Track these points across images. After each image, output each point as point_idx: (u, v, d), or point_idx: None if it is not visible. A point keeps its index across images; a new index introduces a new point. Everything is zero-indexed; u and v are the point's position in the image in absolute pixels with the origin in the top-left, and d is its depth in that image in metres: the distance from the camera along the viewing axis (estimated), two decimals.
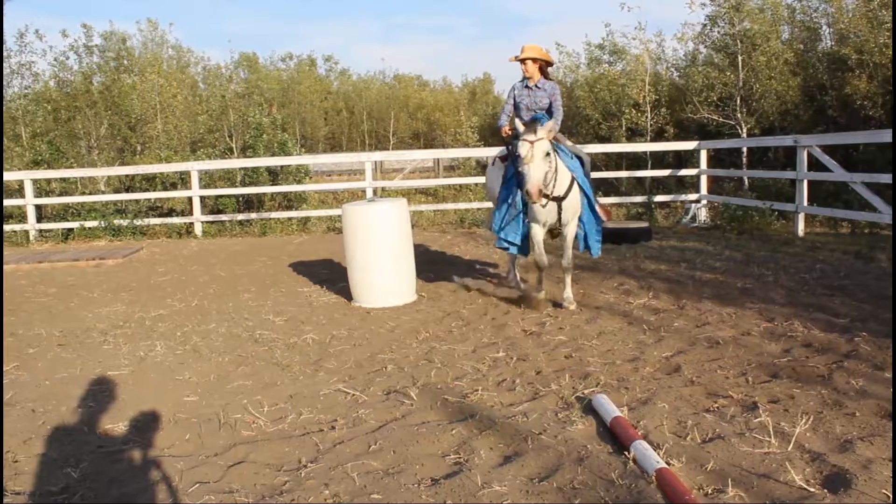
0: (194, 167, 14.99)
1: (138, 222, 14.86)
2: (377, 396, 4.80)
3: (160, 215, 16.30)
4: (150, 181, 16.77)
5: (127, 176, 16.73)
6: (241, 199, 16.28)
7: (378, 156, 16.57)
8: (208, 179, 16.40)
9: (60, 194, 16.99)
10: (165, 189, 16.47)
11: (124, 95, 18.70)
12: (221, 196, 15.92)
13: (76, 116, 18.42)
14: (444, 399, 4.63)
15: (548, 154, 6.33)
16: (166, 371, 5.61)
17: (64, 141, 18.24)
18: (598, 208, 6.96)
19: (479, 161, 24.10)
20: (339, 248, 8.10)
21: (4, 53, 18.21)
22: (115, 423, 4.55)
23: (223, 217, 15.10)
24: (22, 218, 15.30)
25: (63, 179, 16.97)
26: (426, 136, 35.12)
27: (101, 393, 5.15)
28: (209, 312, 7.54)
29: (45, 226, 15.02)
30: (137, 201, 16.03)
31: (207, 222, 14.96)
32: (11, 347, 6.57)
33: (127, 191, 16.91)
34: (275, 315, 7.24)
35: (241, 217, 15.05)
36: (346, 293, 7.82)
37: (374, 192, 14.42)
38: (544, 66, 7.03)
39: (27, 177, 14.99)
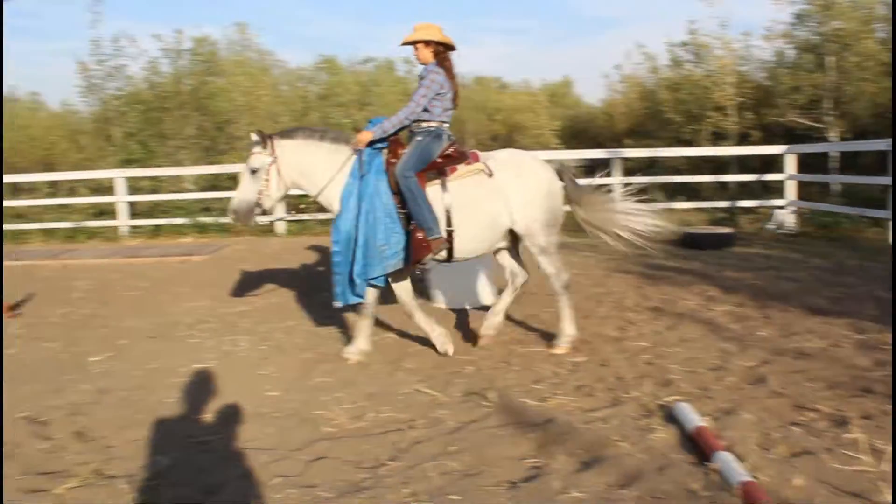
0: None
1: (223, 220, 15.25)
2: (456, 398, 4.83)
3: None
4: (235, 180, 17.13)
5: (213, 174, 17.17)
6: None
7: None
8: None
9: (150, 192, 17.58)
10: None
11: (212, 97, 19.21)
12: (303, 195, 16.14)
13: (166, 117, 19.01)
14: (523, 402, 4.63)
15: (255, 171, 5.77)
16: (249, 366, 5.76)
17: (154, 141, 18.86)
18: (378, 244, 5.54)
19: (560, 164, 24.00)
20: None
21: (99, 57, 18.94)
22: (202, 415, 4.70)
23: (304, 216, 15.35)
24: (114, 214, 15.87)
25: (153, 178, 17.54)
26: (505, 138, 35.06)
27: (188, 385, 5.32)
28: (291, 309, 7.69)
29: (135, 222, 15.54)
30: (223, 199, 16.43)
31: (290, 221, 15.24)
32: (105, 339, 6.83)
33: (213, 189, 17.36)
34: (356, 314, 7.33)
35: (322, 216, 15.27)
36: (425, 293, 7.87)
37: None
38: (441, 49, 5.79)
39: (119, 175, 15.55)
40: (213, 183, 17.59)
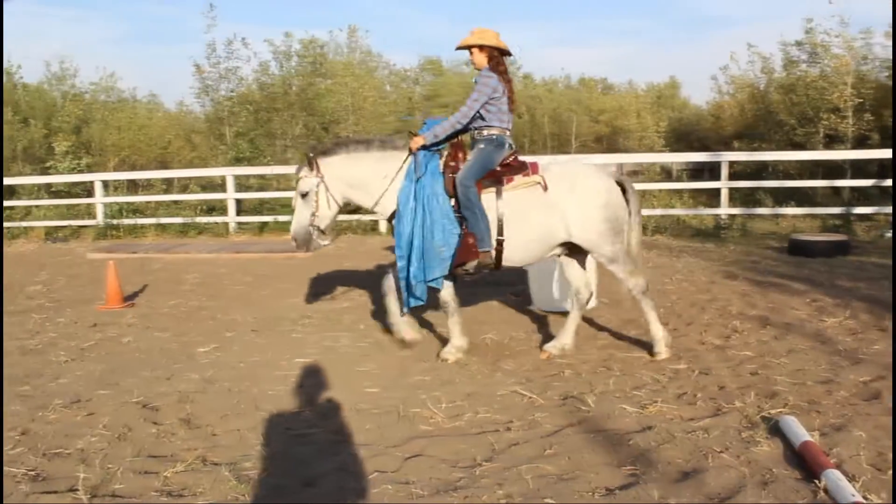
0: None
1: None
2: (554, 401, 4.79)
3: (348, 212, 16.96)
4: None
5: None
6: None
7: (560, 159, 16.48)
8: None
9: (258, 190, 18.11)
10: None
11: (319, 97, 19.65)
12: None
13: (274, 117, 19.55)
14: (622, 408, 4.55)
15: (305, 195, 5.88)
16: (350, 361, 5.86)
17: (263, 140, 19.42)
18: (439, 246, 5.61)
19: (664, 166, 23.52)
20: None
21: (213, 60, 19.63)
22: (302, 408, 4.80)
23: None
24: (223, 211, 16.41)
25: (260, 176, 18.06)
26: (609, 140, 34.62)
27: (289, 378, 5.45)
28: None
29: (242, 219, 16.04)
30: None
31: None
32: (211, 330, 7.07)
33: None
34: None
35: None
36: (525, 295, 7.84)
37: None
38: (496, 53, 5.78)
39: (229, 173, 16.10)
40: None
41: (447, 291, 5.91)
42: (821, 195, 16.59)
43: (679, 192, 16.57)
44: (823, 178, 16.26)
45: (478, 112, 5.68)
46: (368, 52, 26.47)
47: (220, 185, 17.38)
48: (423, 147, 5.74)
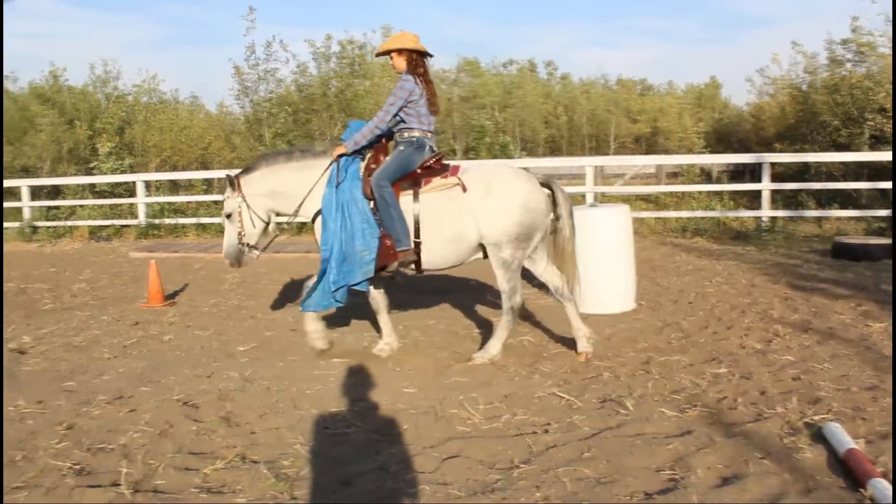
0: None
1: None
2: (592, 403, 4.76)
3: None
4: None
5: None
6: None
7: (598, 160, 16.39)
8: None
9: None
10: None
11: (357, 98, 19.73)
12: None
13: (313, 118, 19.66)
14: (661, 412, 4.50)
15: (230, 216, 6.14)
16: (387, 362, 5.87)
17: (301, 141, 19.53)
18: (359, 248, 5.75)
19: (704, 168, 23.25)
20: None
21: (252, 62, 19.80)
22: (340, 407, 4.83)
23: None
24: None
25: None
26: (648, 141, 34.34)
27: (327, 377, 5.49)
28: (429, 308, 7.80)
29: (282, 219, 16.13)
30: None
31: None
32: (251, 329, 7.15)
33: None
34: (491, 315, 7.36)
35: None
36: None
37: (595, 197, 14.29)
38: (415, 56, 5.86)
39: None
40: None
41: (375, 292, 6.12)
42: (866, 197, 16.28)
43: (719, 193, 16.37)
44: (868, 179, 15.95)
45: (398, 115, 5.80)
46: None
47: None
48: (345, 154, 5.88)
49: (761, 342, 6.11)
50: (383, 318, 6.22)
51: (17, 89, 27.30)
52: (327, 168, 5.95)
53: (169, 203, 17.46)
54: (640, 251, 10.05)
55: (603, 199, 15.98)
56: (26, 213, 17.45)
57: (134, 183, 17.26)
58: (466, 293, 8.56)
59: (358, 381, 5.38)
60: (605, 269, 7.34)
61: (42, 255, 14.25)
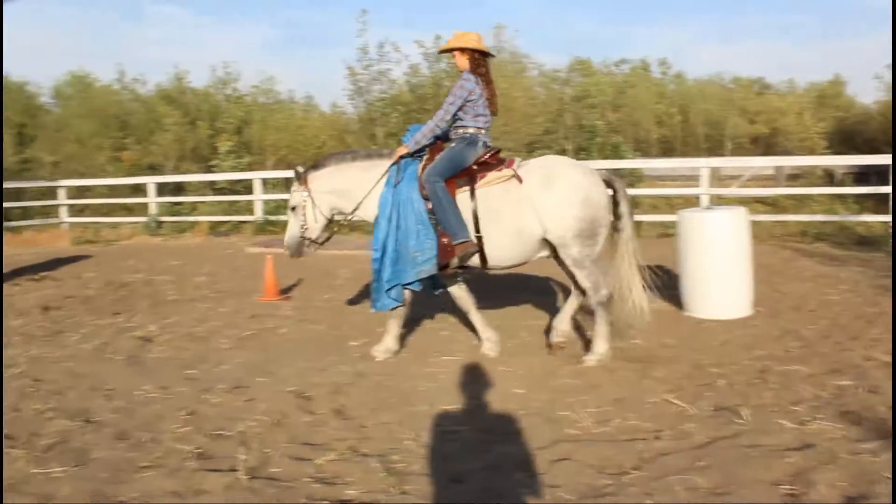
0: None
1: None
2: (706, 411, 4.63)
3: None
4: None
5: None
6: None
7: (714, 161, 15.93)
8: None
9: None
10: None
11: None
12: None
13: (425, 118, 19.82)
14: (779, 423, 4.34)
15: (294, 209, 6.28)
16: (496, 361, 5.88)
17: None
18: (412, 250, 5.74)
19: (827, 170, 22.26)
20: (670, 254, 7.92)
21: (365, 63, 20.17)
22: (450, 405, 4.86)
23: None
24: None
25: None
26: (767, 142, 33.18)
27: (437, 375, 5.54)
28: (538, 308, 7.76)
29: (342, 217, 16.35)
30: None
31: None
32: (363, 325, 7.27)
33: None
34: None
35: None
36: (677, 301, 7.62)
37: (710, 199, 13.90)
38: (476, 56, 5.88)
39: None
40: None
41: (456, 289, 6.20)
42: None
43: (842, 196, 15.66)
44: None
45: (456, 114, 5.83)
46: (516, 53, 26.53)
47: None
48: (407, 155, 5.94)
49: (889, 354, 5.80)
50: (474, 316, 6.23)
51: (145, 91, 28.72)
52: (388, 169, 6.02)
53: (284, 200, 17.94)
54: (758, 256, 9.71)
55: (718, 201, 15.52)
56: (152, 209, 18.29)
57: (252, 180, 17.84)
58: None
59: (468, 379, 5.40)
60: (721, 274, 7.13)
61: (166, 249, 14.92)
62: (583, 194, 5.58)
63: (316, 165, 6.33)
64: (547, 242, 5.78)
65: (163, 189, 20.29)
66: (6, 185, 21.30)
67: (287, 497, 3.60)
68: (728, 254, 7.14)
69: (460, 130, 5.87)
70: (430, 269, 5.76)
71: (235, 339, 6.91)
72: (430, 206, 5.71)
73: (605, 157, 16.60)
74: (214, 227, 17.42)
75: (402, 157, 5.96)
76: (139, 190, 20.23)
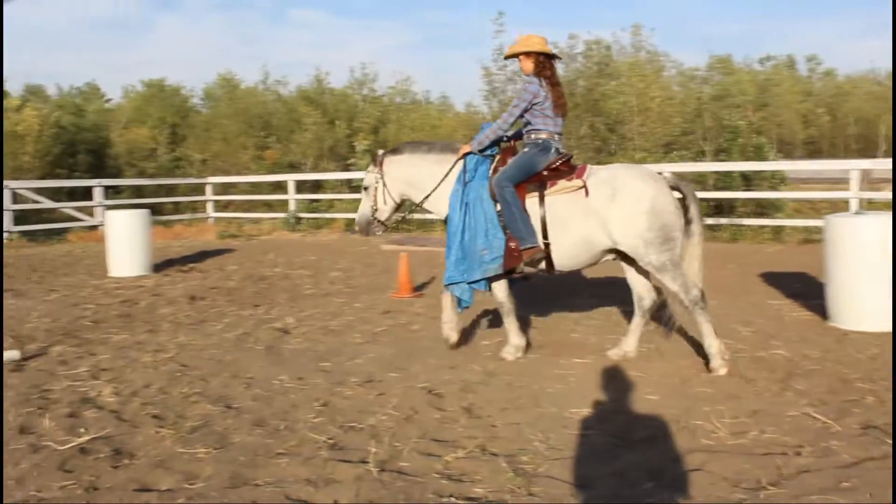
0: (666, 169, 15.16)
1: None
2: (852, 429, 4.37)
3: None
4: None
5: None
6: (710, 203, 16.03)
7: (865, 163, 15.06)
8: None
9: None
10: None
11: (604, 98, 19.54)
12: None
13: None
14: None
15: (366, 189, 6.59)
16: (629, 366, 5.76)
17: None
18: (481, 248, 5.84)
19: None
20: (815, 262, 7.56)
21: (501, 63, 20.20)
22: (580, 408, 4.80)
23: (707, 220, 15.01)
24: None
25: None
26: None
27: (568, 377, 5.49)
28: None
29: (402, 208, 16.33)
30: None
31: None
32: (495, 324, 7.28)
33: None
34: (742, 325, 7.00)
35: (710, 221, 14.80)
36: (821, 310, 7.25)
37: (860, 203, 13.16)
38: (542, 59, 5.91)
39: None
40: None
41: (501, 293, 6.13)
42: None
43: None
44: None
45: (523, 117, 5.92)
46: (654, 52, 25.96)
47: None
48: (471, 153, 6.07)
49: None
50: (510, 320, 6.19)
51: (286, 92, 29.84)
52: (454, 165, 6.14)
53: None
54: None
55: (869, 205, 14.66)
56: (291, 205, 18.96)
57: None
58: (711, 301, 8.17)
59: (599, 383, 5.32)
60: (871, 283, 6.73)
61: (304, 244, 15.45)
62: (648, 204, 5.54)
63: (394, 151, 6.57)
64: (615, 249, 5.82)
65: (302, 186, 20.99)
66: (161, 181, 22.66)
67: (415, 491, 3.65)
68: (879, 261, 6.73)
69: (532, 135, 5.93)
70: (496, 269, 5.87)
71: (369, 334, 7.07)
72: (499, 208, 5.81)
73: (747, 159, 15.97)
74: (350, 224, 17.86)
75: (466, 154, 6.09)
76: (279, 187, 21.03)
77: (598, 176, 5.76)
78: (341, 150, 25.21)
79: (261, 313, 8.17)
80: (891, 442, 4.12)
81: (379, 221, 6.58)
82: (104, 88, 39.24)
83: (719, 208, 16.10)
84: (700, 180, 16.67)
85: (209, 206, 21.01)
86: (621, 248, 5.69)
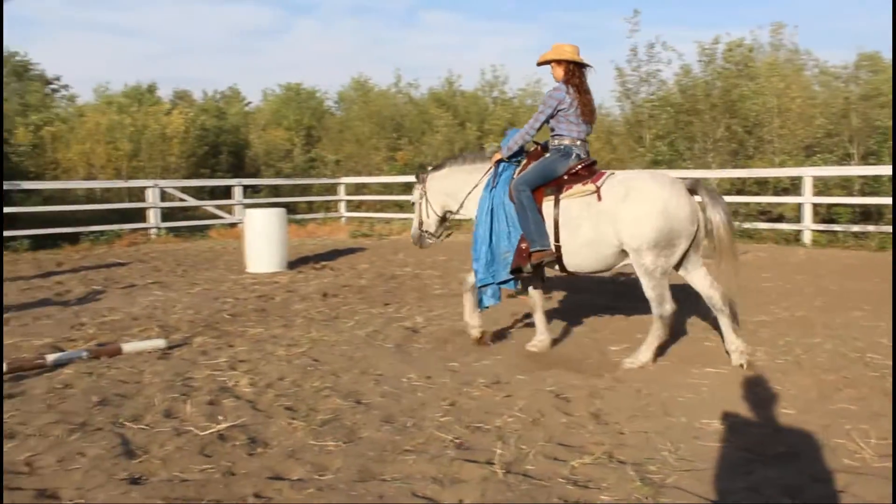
0: (808, 173, 14.52)
1: (746, 225, 14.89)
2: None
3: (769, 220, 16.05)
4: (761, 185, 16.65)
5: (739, 178, 16.89)
6: (857, 209, 15.21)
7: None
8: (822, 186, 15.62)
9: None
10: (776, 194, 16.20)
11: (743, 99, 18.83)
12: (835, 205, 15.10)
13: (695, 120, 19.16)
14: None
15: (413, 204, 7.19)
16: (765, 378, 5.52)
17: (682, 143, 19.15)
18: (503, 251, 6.21)
19: None
20: None
21: (634, 64, 19.83)
22: (711, 419, 4.64)
23: (836, 227, 14.30)
24: None
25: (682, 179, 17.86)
26: None
27: (699, 387, 5.32)
28: (814, 325, 7.21)
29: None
30: (747, 204, 16.09)
31: (818, 231, 14.35)
32: (623, 330, 7.16)
33: (738, 193, 17.06)
34: (888, 339, 6.60)
35: (856, 228, 14.06)
36: None
37: None
38: (572, 67, 6.14)
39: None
40: (739, 187, 17.26)
41: (534, 291, 6.54)
42: None
43: None
44: None
45: (548, 124, 6.20)
46: (795, 50, 24.79)
47: None
48: (501, 160, 6.43)
49: None
50: (538, 316, 6.57)
51: (418, 95, 30.28)
52: (486, 172, 6.55)
53: None
54: None
55: None
56: None
57: None
58: (856, 312, 7.76)
59: (733, 394, 5.13)
60: None
61: (433, 245, 15.58)
62: (660, 205, 5.65)
63: (437, 167, 7.08)
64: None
65: None
66: (297, 180, 23.47)
67: (540, 495, 3.62)
68: None
69: (556, 141, 6.19)
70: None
71: (495, 335, 7.08)
72: (516, 210, 6.12)
73: None
74: None
75: (498, 161, 6.45)
76: (410, 188, 21.36)
77: (615, 179, 5.95)
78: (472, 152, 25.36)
79: (391, 312, 8.33)
80: None
81: (429, 233, 7.15)
82: (244, 92, 40.86)
83: (867, 215, 15.24)
84: (845, 185, 15.84)
85: (342, 206, 21.61)
86: (626, 247, 5.82)
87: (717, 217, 5.77)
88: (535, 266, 6.11)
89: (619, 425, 4.58)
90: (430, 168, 7.16)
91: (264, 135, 31.51)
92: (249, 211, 12.45)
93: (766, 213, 16.88)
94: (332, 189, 22.97)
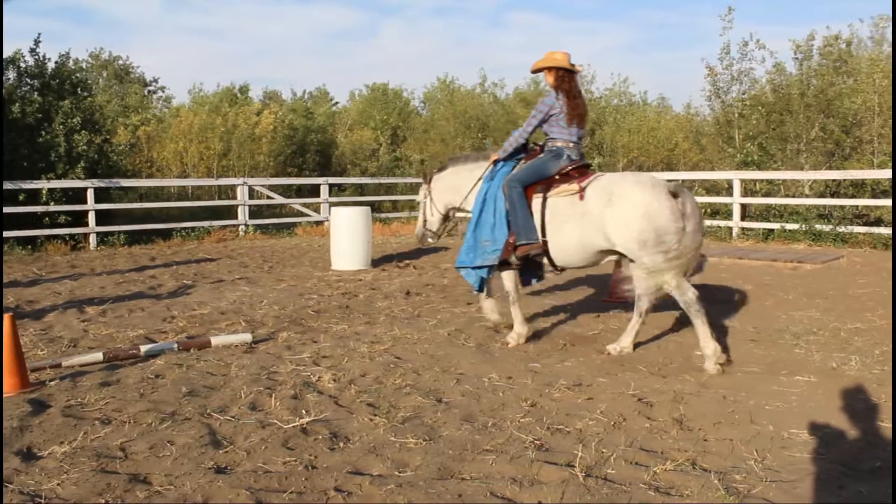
0: None
1: (841, 229, 14.38)
2: None
3: (866, 224, 15.47)
4: (858, 187, 16.06)
5: (833, 180, 16.34)
6: None
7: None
8: None
9: (765, 195, 17.46)
10: (874, 196, 15.59)
11: (840, 98, 18.19)
12: None
13: (788, 119, 18.60)
14: None
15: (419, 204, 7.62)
16: (858, 388, 5.31)
17: (773, 143, 18.62)
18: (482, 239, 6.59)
19: None
20: None
21: (726, 62, 19.34)
22: (800, 429, 4.49)
23: None
24: (727, 215, 16.15)
25: (768, 181, 17.39)
26: None
27: (788, 395, 5.16)
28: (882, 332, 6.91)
29: (747, 224, 15.60)
30: (843, 207, 15.55)
31: None
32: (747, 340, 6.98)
33: (832, 196, 16.50)
34: None
35: None
36: None
37: None
38: (562, 73, 6.50)
39: (736, 177, 15.80)
40: (834, 189, 16.70)
41: (508, 282, 6.83)
42: None
43: None
44: None
45: (540, 128, 6.54)
46: None
47: (725, 189, 17.10)
48: (499, 160, 6.78)
49: None
50: (515, 310, 6.84)
51: (503, 95, 30.24)
52: (485, 170, 6.86)
53: None
54: None
55: None
56: None
57: None
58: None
59: (823, 404, 4.95)
60: None
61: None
62: (643, 209, 5.80)
63: (441, 168, 7.43)
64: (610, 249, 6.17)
65: None
66: (382, 180, 23.76)
67: (621, 499, 3.57)
68: None
69: (549, 143, 6.52)
70: (492, 259, 6.51)
71: (579, 337, 7.01)
72: (507, 205, 6.41)
73: None
74: None
75: (496, 161, 6.79)
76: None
77: (599, 182, 6.16)
78: None
79: (472, 311, 8.33)
80: None
81: (431, 231, 7.51)
82: (332, 92, 41.62)
83: None
84: None
85: None
86: (618, 248, 6.03)
87: (689, 224, 5.86)
88: (521, 259, 6.44)
89: (704, 432, 4.47)
90: (434, 170, 7.49)
91: (351, 134, 31.99)
92: (335, 209, 12.64)
93: (862, 217, 16.27)
94: (416, 188, 23.13)
